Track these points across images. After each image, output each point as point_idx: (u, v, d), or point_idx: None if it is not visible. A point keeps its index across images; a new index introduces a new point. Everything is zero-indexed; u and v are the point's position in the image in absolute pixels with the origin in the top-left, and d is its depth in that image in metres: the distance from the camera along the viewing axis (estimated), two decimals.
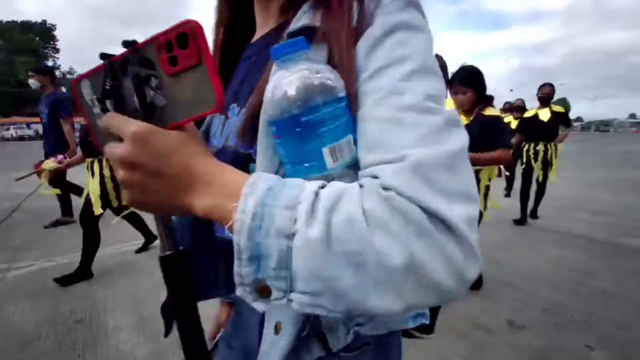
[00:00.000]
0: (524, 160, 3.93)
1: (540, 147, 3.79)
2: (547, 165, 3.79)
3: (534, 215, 4.02)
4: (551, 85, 3.86)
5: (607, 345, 1.70)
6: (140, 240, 3.04)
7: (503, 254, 2.90)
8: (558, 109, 3.85)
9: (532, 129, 3.91)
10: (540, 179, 3.89)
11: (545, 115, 3.78)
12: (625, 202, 4.83)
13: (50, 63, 50.65)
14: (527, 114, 4.11)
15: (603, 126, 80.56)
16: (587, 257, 2.84)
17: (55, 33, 55.64)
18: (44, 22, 55.00)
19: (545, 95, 3.81)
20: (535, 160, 3.82)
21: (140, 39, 0.30)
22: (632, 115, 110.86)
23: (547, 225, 3.78)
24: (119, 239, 3.17)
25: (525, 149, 3.94)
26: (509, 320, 1.93)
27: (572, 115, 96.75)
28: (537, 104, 3.96)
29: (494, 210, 3.80)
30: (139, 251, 3.00)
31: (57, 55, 56.53)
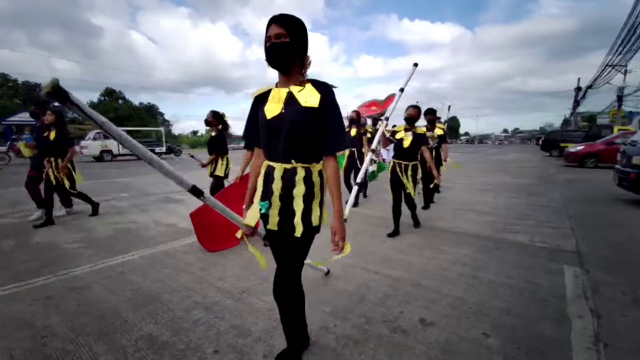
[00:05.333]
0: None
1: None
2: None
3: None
4: (416, 108, 3.84)
5: (499, 331, 1.95)
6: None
7: (415, 258, 3.18)
8: (420, 130, 3.87)
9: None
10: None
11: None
12: (502, 203, 5.81)
13: None
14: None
15: (484, 139, 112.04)
16: (477, 253, 3.29)
17: None
18: None
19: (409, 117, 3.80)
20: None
21: None
22: (505, 130, 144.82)
23: (447, 226, 4.30)
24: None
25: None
26: (421, 319, 2.09)
27: (461, 130, 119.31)
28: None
29: (403, 216, 4.15)
30: None
31: None
